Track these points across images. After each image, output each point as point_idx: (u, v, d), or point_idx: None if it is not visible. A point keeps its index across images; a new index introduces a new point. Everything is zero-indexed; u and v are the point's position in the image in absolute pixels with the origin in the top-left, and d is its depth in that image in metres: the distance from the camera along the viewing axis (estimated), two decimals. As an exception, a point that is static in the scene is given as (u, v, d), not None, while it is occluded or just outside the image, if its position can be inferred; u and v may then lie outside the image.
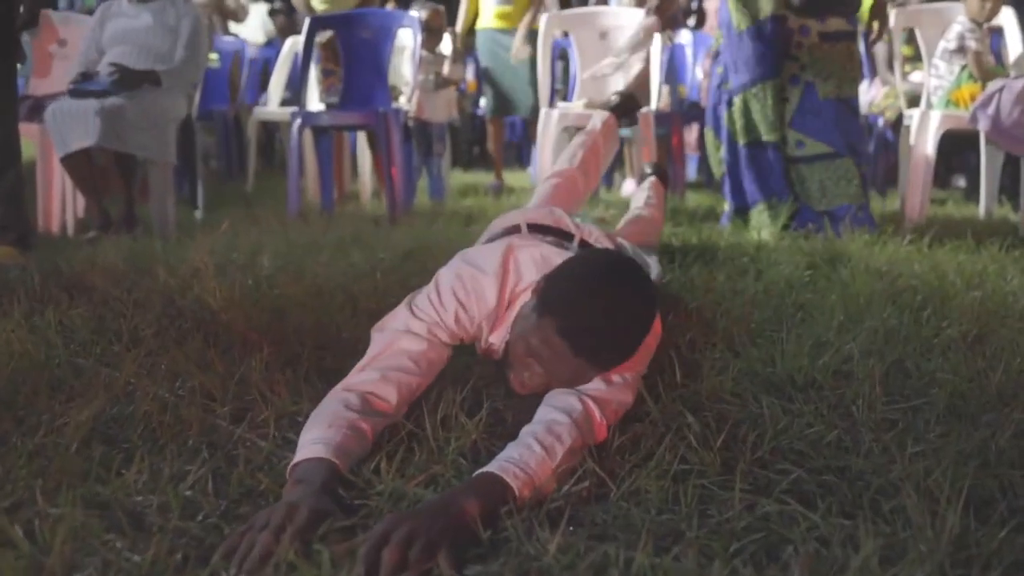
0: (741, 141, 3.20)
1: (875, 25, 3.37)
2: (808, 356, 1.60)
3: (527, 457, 1.08)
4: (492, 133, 5.75)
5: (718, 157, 3.42)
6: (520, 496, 1.04)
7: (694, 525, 1.01)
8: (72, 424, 1.27)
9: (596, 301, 1.21)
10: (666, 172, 2.97)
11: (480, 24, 5.40)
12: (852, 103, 3.17)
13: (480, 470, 1.07)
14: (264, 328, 1.76)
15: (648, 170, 2.90)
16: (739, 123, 3.18)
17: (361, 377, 1.29)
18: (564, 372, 1.24)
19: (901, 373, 1.58)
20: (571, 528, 1.01)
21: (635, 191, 2.85)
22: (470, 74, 8.46)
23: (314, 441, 1.12)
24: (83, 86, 3.32)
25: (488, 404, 1.37)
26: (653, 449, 1.21)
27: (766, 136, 3.13)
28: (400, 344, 1.32)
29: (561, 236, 1.68)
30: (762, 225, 3.15)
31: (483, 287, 1.38)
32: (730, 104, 3.22)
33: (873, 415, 1.36)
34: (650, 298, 1.28)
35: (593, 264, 1.30)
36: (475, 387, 1.44)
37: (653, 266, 2.02)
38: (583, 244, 1.69)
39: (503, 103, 5.39)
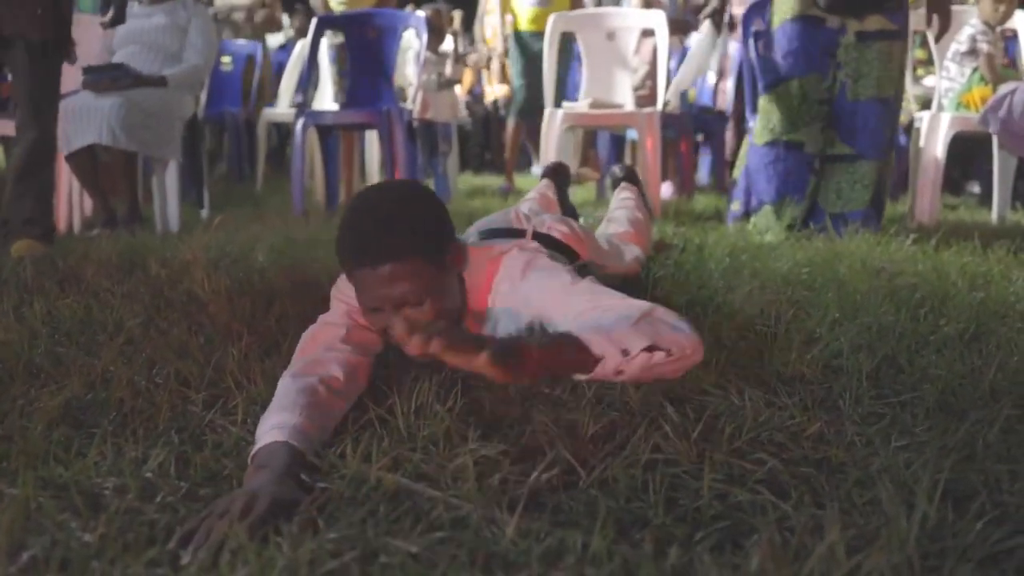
0: (760, 141, 3.16)
1: (934, 19, 3.20)
2: (797, 350, 1.56)
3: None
4: (511, 134, 5.71)
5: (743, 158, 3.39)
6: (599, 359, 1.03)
7: (660, 513, 0.98)
8: (43, 409, 1.26)
9: (355, 218, 1.28)
10: (635, 173, 2.93)
11: (515, 27, 5.41)
12: (891, 102, 3.07)
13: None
14: (248, 317, 1.75)
15: (619, 173, 2.87)
16: (761, 123, 3.16)
17: (301, 362, 1.30)
18: (404, 294, 1.25)
19: (893, 368, 1.54)
20: (535, 514, 0.98)
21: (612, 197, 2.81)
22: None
23: (272, 427, 1.11)
24: (96, 76, 3.33)
25: (463, 391, 1.35)
26: (628, 438, 1.18)
27: (788, 136, 3.09)
28: (323, 335, 1.36)
29: (512, 235, 1.65)
30: (768, 226, 3.11)
31: None
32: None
33: (859, 409, 1.33)
34: (407, 182, 1.38)
35: (350, 204, 1.35)
36: (451, 375, 1.41)
37: (629, 252, 1.98)
38: (536, 235, 1.66)
39: (532, 105, 5.22)
